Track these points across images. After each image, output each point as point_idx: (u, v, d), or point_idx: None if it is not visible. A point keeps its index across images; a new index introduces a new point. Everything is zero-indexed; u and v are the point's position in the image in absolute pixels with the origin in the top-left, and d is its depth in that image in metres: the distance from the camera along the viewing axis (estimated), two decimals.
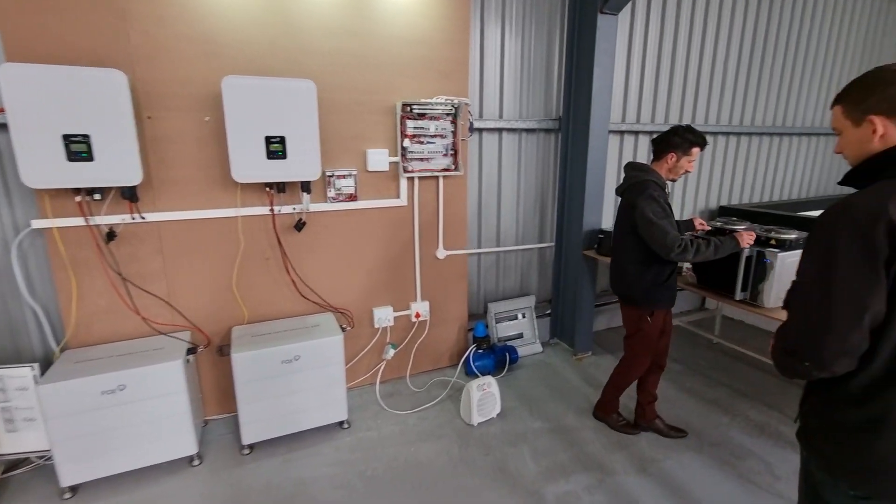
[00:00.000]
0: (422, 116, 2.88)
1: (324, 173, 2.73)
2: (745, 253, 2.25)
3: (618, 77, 3.61)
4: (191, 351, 2.41)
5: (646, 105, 3.82)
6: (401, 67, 2.82)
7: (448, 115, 2.95)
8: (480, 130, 3.31)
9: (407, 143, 2.87)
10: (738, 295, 2.29)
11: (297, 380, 2.49)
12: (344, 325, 2.86)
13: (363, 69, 2.73)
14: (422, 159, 2.96)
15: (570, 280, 3.60)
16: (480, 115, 3.30)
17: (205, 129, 2.43)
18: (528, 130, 3.48)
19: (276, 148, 2.41)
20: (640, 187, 2.21)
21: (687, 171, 2.29)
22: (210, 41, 2.36)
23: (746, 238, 2.21)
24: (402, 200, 3.01)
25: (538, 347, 3.67)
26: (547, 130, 3.53)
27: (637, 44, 3.63)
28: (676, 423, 2.76)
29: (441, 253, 3.21)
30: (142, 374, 2.19)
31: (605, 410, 2.75)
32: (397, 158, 2.90)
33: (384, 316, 3.09)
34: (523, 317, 3.68)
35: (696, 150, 2.24)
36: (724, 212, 4.30)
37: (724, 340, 3.57)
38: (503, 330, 3.61)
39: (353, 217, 2.89)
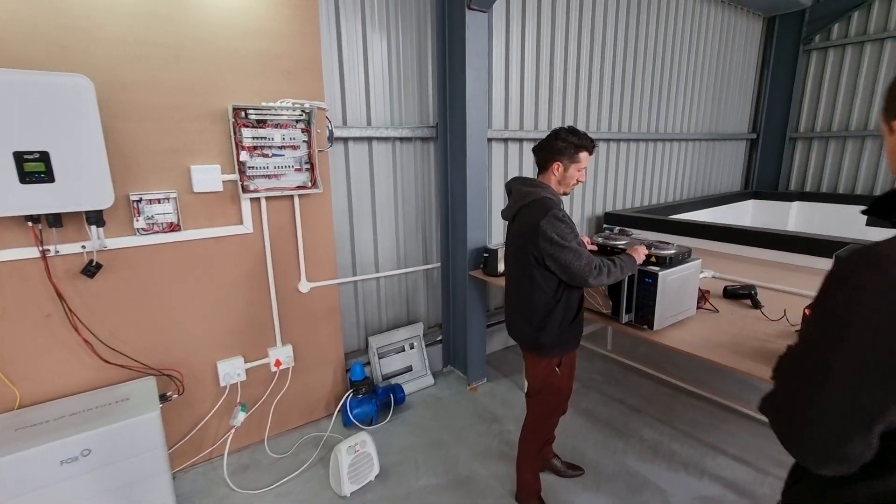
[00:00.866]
0: (263, 124, 2.35)
1: (128, 198, 2.09)
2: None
3: (498, 81, 3.39)
4: None
5: (528, 111, 3.65)
6: (231, 63, 2.28)
7: (298, 121, 2.46)
8: (345, 140, 2.86)
9: (245, 156, 2.32)
10: (624, 318, 2.10)
11: (90, 482, 1.83)
12: (169, 393, 2.23)
13: (176, 64, 2.14)
14: (269, 176, 2.43)
15: (459, 303, 3.28)
16: (344, 122, 2.84)
17: None
18: (402, 139, 3.09)
19: (34, 168, 1.74)
20: (538, 207, 1.81)
21: (579, 182, 1.93)
22: None
23: (641, 252, 2.01)
24: (247, 227, 2.45)
25: (429, 380, 3.30)
26: (424, 139, 3.18)
27: (514, 46, 3.43)
28: (573, 455, 2.54)
29: (304, 286, 2.69)
30: None
31: (524, 494, 2.20)
32: (235, 176, 2.34)
33: (232, 370, 2.49)
34: (411, 347, 3.29)
35: (583, 154, 1.88)
36: (609, 218, 4.31)
37: (616, 352, 3.50)
38: (389, 365, 3.18)
39: (177, 252, 2.27)
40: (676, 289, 2.05)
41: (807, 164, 6.00)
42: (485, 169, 3.01)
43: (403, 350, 3.25)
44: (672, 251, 2.06)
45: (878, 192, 5.44)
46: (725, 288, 2.45)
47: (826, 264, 2.89)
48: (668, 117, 4.93)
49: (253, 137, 2.33)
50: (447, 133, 3.07)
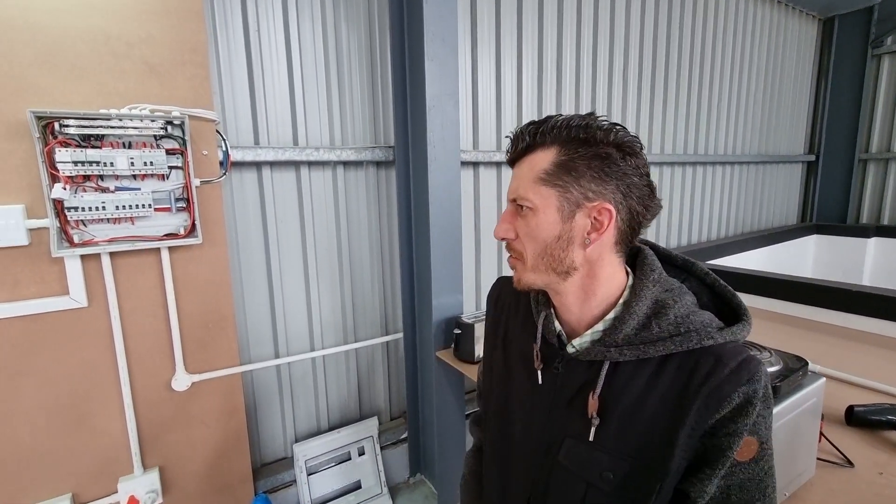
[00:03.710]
0: (98, 141, 1.53)
1: None
2: None
3: (488, 86, 2.53)
4: None
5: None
6: (44, 50, 1.47)
7: (162, 138, 1.62)
8: (258, 165, 2.02)
9: (61, 191, 1.48)
10: None
11: None
12: None
13: None
14: (113, 220, 1.59)
15: (427, 390, 2.33)
16: (256, 142, 2.01)
17: None
18: (347, 163, 2.23)
19: None
20: None
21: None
22: None
23: None
24: (78, 299, 1.59)
25: (385, 501, 2.32)
26: (379, 163, 2.32)
27: (508, 42, 2.58)
28: None
29: (182, 381, 1.80)
30: None
31: None
32: (48, 221, 1.50)
33: None
34: (361, 454, 2.33)
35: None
36: None
37: None
38: (323, 485, 2.22)
39: None
40: (786, 441, 1.07)
41: (882, 190, 4.90)
42: (457, 206, 2.10)
43: (349, 458, 2.30)
44: (776, 367, 1.08)
45: None
46: (851, 410, 1.45)
47: None
48: (708, 135, 3.97)
49: (76, 162, 1.49)
50: (408, 154, 2.20)
